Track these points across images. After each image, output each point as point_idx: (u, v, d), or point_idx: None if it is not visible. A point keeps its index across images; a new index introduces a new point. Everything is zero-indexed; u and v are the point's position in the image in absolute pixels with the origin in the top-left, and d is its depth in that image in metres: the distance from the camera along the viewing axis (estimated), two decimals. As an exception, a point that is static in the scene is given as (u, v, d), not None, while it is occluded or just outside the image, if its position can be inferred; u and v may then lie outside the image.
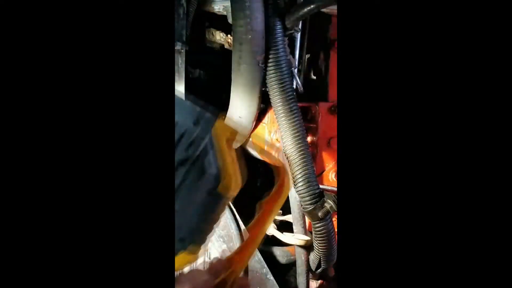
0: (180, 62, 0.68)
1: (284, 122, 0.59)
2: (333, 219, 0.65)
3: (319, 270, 0.69)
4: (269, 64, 0.59)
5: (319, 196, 0.59)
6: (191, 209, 0.35)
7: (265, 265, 0.62)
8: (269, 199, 0.40)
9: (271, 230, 0.72)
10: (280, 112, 0.59)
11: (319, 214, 0.59)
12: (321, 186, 0.62)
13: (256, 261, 0.61)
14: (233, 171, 0.36)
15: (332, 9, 0.62)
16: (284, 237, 0.68)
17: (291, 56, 0.64)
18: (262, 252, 0.66)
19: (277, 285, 0.62)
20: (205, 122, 0.35)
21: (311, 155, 0.60)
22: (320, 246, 0.63)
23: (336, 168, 0.71)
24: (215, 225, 0.36)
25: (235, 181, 0.36)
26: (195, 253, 0.36)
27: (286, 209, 0.78)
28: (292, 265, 0.81)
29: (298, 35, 0.68)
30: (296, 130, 0.59)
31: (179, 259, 0.35)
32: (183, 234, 0.35)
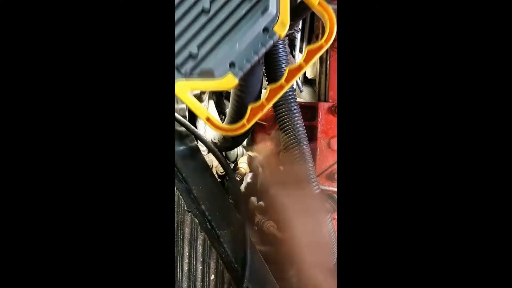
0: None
1: (284, 121, 0.59)
2: (333, 218, 0.65)
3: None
4: (269, 63, 0.59)
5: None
6: (247, 39, 0.43)
7: (265, 265, 0.62)
8: (313, 49, 0.44)
9: (271, 230, 0.72)
10: (280, 111, 0.59)
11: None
12: (321, 186, 0.61)
13: (256, 261, 0.61)
14: (286, 16, 0.43)
15: (332, 8, 0.62)
16: (284, 237, 0.68)
17: (291, 56, 0.64)
18: (262, 252, 0.66)
19: (277, 285, 0.62)
20: None
21: (311, 155, 0.60)
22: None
23: (336, 168, 0.71)
24: (257, 59, 0.44)
25: (286, 25, 0.43)
26: (237, 76, 0.43)
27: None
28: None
29: (298, 35, 0.68)
30: (296, 130, 0.59)
31: (226, 79, 0.43)
32: (234, 59, 0.43)
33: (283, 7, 0.43)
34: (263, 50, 0.43)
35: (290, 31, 0.64)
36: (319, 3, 0.43)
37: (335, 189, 0.69)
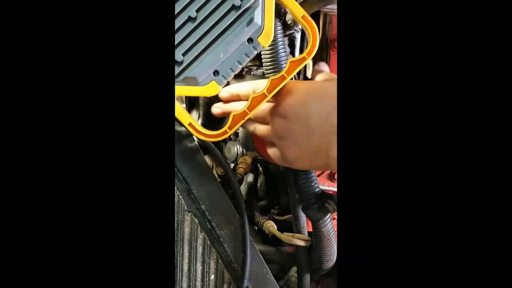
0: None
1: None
2: (333, 218, 0.65)
3: (319, 271, 0.69)
4: (269, 64, 0.59)
5: (319, 196, 0.59)
6: (232, 49, 0.44)
7: (265, 265, 0.62)
8: (295, 61, 0.46)
9: (271, 230, 0.72)
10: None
11: (320, 214, 0.59)
12: (321, 186, 0.61)
13: (256, 261, 0.61)
14: (270, 28, 0.44)
15: (332, 9, 0.62)
16: (284, 237, 0.68)
17: (291, 56, 0.64)
18: (262, 252, 0.66)
19: (277, 285, 0.62)
20: None
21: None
22: (320, 246, 0.63)
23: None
24: (239, 68, 0.46)
25: (270, 37, 0.44)
26: (220, 84, 0.45)
27: (286, 209, 0.78)
28: (292, 265, 0.81)
29: (298, 35, 0.68)
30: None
31: (210, 86, 0.44)
32: (218, 68, 0.44)
33: (267, 19, 0.44)
34: (247, 60, 0.45)
35: (290, 31, 0.64)
36: (303, 17, 0.44)
37: (335, 189, 0.69)
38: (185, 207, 0.60)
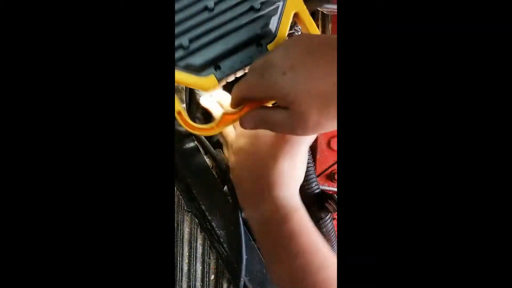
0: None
1: None
2: (333, 218, 0.65)
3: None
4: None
5: (319, 196, 0.59)
6: (240, 48, 0.44)
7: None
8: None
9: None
10: None
11: (320, 214, 0.59)
12: (321, 186, 0.62)
13: (256, 261, 0.61)
14: (283, 38, 0.44)
15: (332, 9, 0.62)
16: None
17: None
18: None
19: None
20: None
21: (310, 155, 0.60)
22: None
23: (336, 168, 0.71)
24: (241, 70, 0.45)
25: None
26: (218, 80, 0.44)
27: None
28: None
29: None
30: None
31: (208, 79, 0.44)
32: (221, 63, 0.44)
33: (282, 28, 0.44)
34: (250, 63, 0.44)
35: (290, 31, 0.64)
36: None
37: (335, 189, 0.69)
38: (185, 207, 0.60)
